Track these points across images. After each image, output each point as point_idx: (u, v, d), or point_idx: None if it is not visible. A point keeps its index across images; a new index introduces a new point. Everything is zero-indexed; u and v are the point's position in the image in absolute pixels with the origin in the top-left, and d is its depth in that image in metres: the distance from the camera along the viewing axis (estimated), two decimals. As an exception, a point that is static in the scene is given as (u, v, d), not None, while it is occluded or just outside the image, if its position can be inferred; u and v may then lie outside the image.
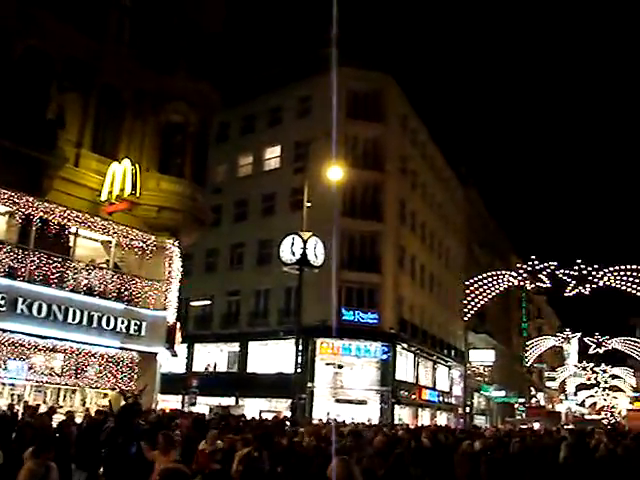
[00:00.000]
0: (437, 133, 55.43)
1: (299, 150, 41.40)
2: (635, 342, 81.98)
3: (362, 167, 42.49)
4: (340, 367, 41.33)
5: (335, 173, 21.60)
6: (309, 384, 38.91)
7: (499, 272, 57.38)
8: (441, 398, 52.08)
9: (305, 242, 18.08)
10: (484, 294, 55.38)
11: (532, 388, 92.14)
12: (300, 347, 22.33)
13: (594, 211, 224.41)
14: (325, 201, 35.14)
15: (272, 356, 41.16)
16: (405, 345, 44.24)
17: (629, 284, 50.70)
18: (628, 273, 50.64)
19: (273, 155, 47.12)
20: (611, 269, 51.27)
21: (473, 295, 55.36)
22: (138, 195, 23.13)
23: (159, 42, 25.59)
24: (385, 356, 41.45)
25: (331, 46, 33.54)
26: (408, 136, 49.68)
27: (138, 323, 22.93)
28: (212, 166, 37.92)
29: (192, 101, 26.03)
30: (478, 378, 63.24)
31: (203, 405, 34.72)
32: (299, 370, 21.52)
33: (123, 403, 16.19)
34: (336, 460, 6.11)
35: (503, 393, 69.79)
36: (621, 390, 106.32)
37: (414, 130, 51.14)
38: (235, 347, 44.46)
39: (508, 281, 56.18)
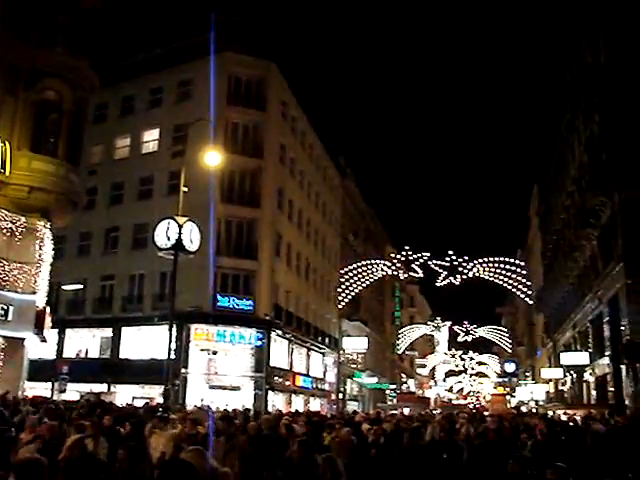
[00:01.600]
0: (317, 123, 56.09)
1: (178, 134, 40.72)
2: (500, 330, 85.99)
3: (241, 153, 42.41)
4: (214, 353, 41.17)
5: (213, 158, 21.45)
6: (183, 370, 38.60)
7: (374, 261, 58.49)
8: (315, 384, 52.77)
9: (181, 227, 17.91)
10: (358, 282, 56.41)
11: (403, 375, 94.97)
12: (174, 333, 22.16)
13: (465, 206, 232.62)
14: (203, 186, 34.92)
15: (146, 342, 40.54)
16: (280, 332, 44.51)
17: (496, 275, 52.89)
18: (495, 265, 52.77)
19: (151, 138, 46.18)
20: (480, 261, 53.18)
21: (348, 283, 56.33)
22: (8, 174, 22.34)
23: (34, 15, 24.61)
24: (260, 342, 41.59)
25: (214, 30, 33.30)
26: (288, 124, 49.95)
27: (5, 307, 22.23)
28: (88, 147, 36.86)
29: (68, 78, 25.17)
30: (351, 365, 64.50)
31: (74, 392, 33.97)
32: (173, 356, 21.32)
33: None
34: (190, 450, 5.78)
35: (375, 379, 71.45)
36: (486, 376, 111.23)
37: (294, 118, 51.47)
38: (108, 332, 43.46)
39: (382, 270, 57.30)
